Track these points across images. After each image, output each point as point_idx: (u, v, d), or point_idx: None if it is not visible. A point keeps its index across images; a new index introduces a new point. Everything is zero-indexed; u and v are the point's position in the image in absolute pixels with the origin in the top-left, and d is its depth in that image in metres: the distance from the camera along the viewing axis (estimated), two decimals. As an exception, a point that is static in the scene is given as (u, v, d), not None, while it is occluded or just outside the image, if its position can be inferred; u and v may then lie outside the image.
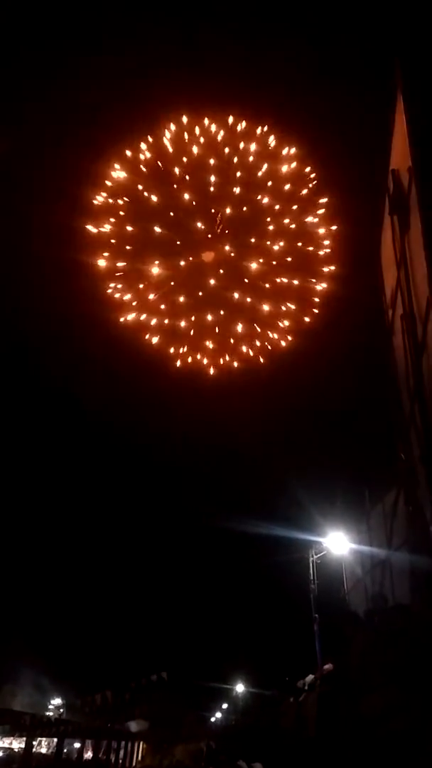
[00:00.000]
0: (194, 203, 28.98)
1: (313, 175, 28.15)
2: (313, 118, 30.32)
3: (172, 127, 28.20)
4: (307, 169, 28.18)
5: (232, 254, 29.86)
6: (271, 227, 29.21)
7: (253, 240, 29.63)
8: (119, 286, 30.00)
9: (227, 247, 29.64)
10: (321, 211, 28.54)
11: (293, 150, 27.98)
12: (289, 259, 29.72)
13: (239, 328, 30.83)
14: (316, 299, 29.81)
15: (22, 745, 36.69)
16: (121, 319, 30.51)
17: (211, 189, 28.66)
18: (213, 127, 28.17)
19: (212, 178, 28.46)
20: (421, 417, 8.30)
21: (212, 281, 29.94)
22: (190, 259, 29.80)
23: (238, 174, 28.43)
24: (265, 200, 28.70)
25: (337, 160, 28.99)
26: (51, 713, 40.59)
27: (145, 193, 28.93)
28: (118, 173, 28.73)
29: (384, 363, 10.79)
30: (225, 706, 49.29)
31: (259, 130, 28.09)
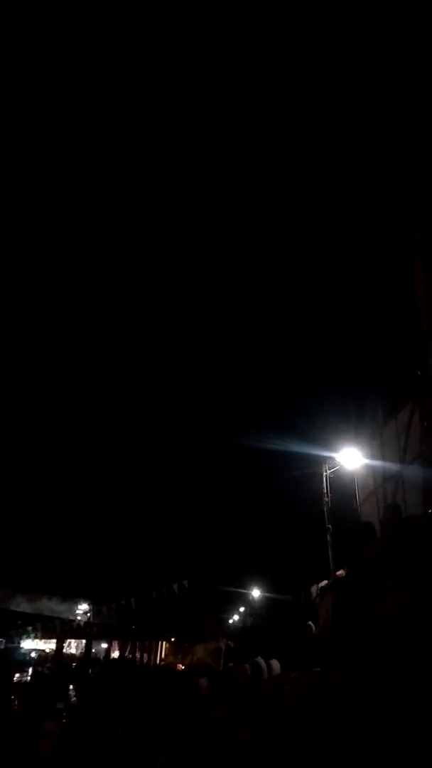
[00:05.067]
0: None
1: None
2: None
3: None
4: None
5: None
6: None
7: None
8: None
9: None
10: None
11: None
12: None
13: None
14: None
15: (54, 646, 39.44)
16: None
17: None
18: None
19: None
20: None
21: None
22: None
23: None
24: None
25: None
26: (79, 617, 43.16)
27: None
28: None
29: (402, 277, 10.54)
30: (242, 609, 52.03)
31: None
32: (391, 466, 13.38)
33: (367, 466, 16.08)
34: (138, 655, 42.76)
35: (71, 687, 28.11)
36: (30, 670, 33.19)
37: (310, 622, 13.29)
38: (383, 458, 14.30)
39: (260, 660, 15.23)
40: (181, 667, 30.06)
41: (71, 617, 42.44)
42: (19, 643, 39.41)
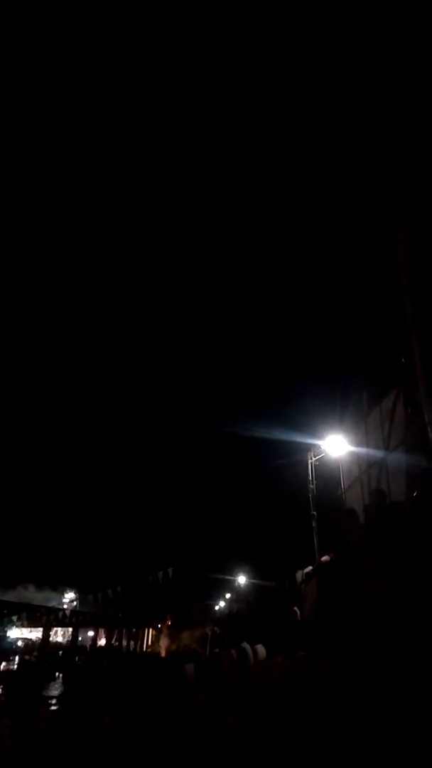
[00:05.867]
0: None
1: None
2: None
3: None
4: None
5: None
6: None
7: None
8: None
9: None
10: None
11: None
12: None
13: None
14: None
15: (40, 635, 39.51)
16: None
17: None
18: None
19: None
20: (424, 319, 8.22)
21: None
22: None
23: None
24: None
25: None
26: (65, 606, 43.27)
27: None
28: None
29: (386, 264, 10.55)
30: (228, 595, 52.42)
31: None
32: (376, 453, 13.46)
33: (352, 453, 16.18)
34: (125, 642, 43.00)
35: (58, 675, 28.21)
36: (17, 659, 33.25)
37: (295, 608, 13.41)
38: (368, 445, 14.38)
39: (246, 645, 15.37)
40: (162, 653, 30.28)
41: (58, 606, 42.51)
42: (5, 632, 39.49)
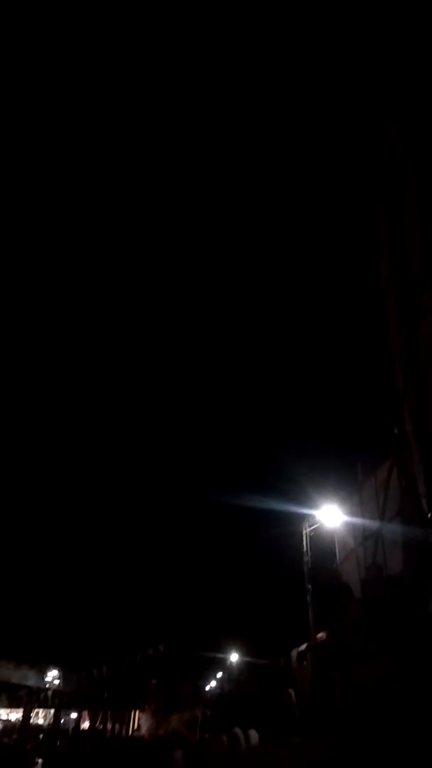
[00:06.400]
0: None
1: None
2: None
3: None
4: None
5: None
6: None
7: None
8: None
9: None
10: None
11: None
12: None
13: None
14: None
15: (20, 716, 37.37)
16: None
17: None
18: None
19: None
20: (415, 393, 8.35)
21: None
22: None
23: None
24: None
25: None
26: (48, 685, 41.18)
27: None
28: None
29: (378, 339, 10.80)
30: (219, 674, 50.15)
31: None
32: (371, 524, 13.30)
33: (347, 524, 15.97)
34: (110, 725, 40.75)
35: (38, 761, 26.59)
36: (-6, 743, 31.35)
37: (290, 690, 12.87)
38: (363, 516, 14.22)
39: (238, 731, 14.59)
40: (149, 738, 28.76)
41: (39, 684, 40.50)
42: (-18, 713, 37.35)
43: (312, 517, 19.01)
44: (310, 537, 19.61)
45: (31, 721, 38.77)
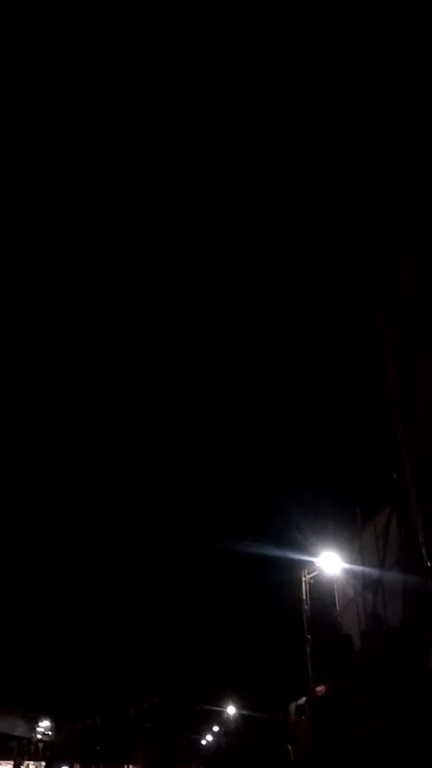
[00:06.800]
0: None
1: None
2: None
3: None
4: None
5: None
6: None
7: None
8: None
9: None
10: None
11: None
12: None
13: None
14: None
15: (9, 769, 36.01)
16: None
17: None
18: None
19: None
20: (413, 438, 8.35)
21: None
22: None
23: None
24: None
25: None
26: (39, 735, 39.79)
27: None
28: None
29: (377, 384, 10.87)
30: (216, 728, 48.47)
31: None
32: (371, 572, 13.12)
33: (347, 572, 15.73)
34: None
35: None
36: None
37: (288, 746, 12.43)
38: (363, 563, 14.04)
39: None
40: None
41: (31, 735, 39.13)
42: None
43: (311, 563, 18.71)
44: (310, 584, 19.26)
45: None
